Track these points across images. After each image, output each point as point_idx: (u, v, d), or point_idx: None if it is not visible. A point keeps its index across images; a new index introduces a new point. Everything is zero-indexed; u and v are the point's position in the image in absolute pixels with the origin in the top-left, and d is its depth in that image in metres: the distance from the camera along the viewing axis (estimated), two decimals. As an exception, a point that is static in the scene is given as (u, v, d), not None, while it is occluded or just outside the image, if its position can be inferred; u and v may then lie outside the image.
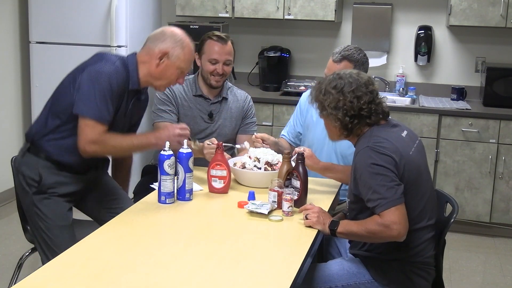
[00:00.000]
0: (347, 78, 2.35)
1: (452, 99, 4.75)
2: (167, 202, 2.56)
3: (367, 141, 2.28)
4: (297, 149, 2.71)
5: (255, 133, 3.04)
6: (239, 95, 3.39)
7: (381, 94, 5.12)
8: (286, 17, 4.78)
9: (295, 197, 2.52)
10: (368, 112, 2.32)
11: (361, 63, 3.01)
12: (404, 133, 2.37)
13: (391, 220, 2.16)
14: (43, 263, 2.46)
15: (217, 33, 3.25)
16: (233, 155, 3.23)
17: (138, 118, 2.85)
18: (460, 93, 4.74)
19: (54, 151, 2.61)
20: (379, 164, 2.20)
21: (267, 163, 2.80)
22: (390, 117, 2.44)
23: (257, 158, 2.80)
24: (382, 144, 2.25)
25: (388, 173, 2.20)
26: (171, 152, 2.55)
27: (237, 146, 3.12)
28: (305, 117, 3.22)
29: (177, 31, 2.66)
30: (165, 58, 2.59)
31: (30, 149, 2.66)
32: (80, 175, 2.70)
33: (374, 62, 4.99)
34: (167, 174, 2.53)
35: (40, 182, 2.61)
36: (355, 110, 2.31)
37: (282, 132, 3.34)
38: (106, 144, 2.53)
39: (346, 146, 2.91)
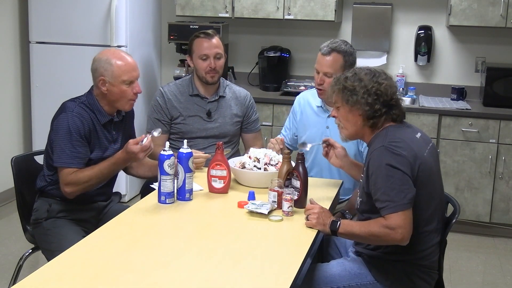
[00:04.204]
0: (374, 69, 2.38)
1: (452, 99, 4.75)
2: (167, 202, 2.56)
3: (382, 140, 2.27)
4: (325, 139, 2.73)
5: (280, 136, 3.02)
6: (238, 92, 3.41)
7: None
8: (286, 17, 4.78)
9: (295, 197, 2.51)
10: (396, 102, 2.33)
11: (350, 53, 3.00)
12: (418, 135, 2.36)
13: (397, 224, 2.15)
14: None
15: (202, 30, 3.31)
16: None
17: (130, 129, 2.99)
18: (460, 93, 4.74)
19: (61, 194, 2.76)
20: (394, 166, 2.19)
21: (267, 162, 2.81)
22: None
23: (257, 158, 2.80)
24: (397, 144, 2.23)
25: (401, 176, 2.18)
26: (171, 152, 2.55)
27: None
28: (300, 118, 3.22)
29: (102, 53, 2.79)
30: (106, 82, 2.71)
31: (41, 194, 2.85)
32: (88, 204, 2.84)
33: (374, 62, 4.99)
34: (167, 174, 2.53)
35: (49, 208, 2.76)
36: (388, 96, 2.31)
37: (282, 131, 3.34)
38: (78, 182, 2.68)
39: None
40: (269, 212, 2.45)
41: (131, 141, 2.64)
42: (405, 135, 2.30)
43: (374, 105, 2.30)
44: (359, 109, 2.33)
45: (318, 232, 2.34)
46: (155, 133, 2.74)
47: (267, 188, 2.54)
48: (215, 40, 3.26)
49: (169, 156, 2.53)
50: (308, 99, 3.22)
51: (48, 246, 2.69)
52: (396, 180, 2.18)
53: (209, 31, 3.28)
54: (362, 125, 2.36)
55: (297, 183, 2.55)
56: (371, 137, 2.37)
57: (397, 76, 4.93)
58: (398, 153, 2.21)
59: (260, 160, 2.79)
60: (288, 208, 2.46)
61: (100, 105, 2.76)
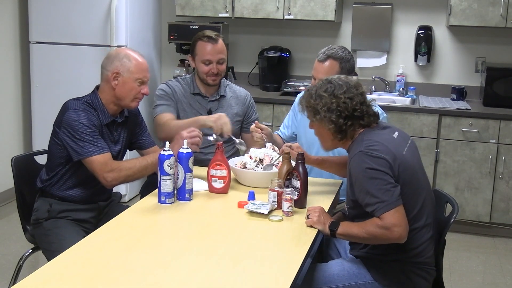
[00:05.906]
0: (336, 81, 2.38)
1: (452, 99, 4.75)
2: (167, 202, 2.56)
3: (359, 145, 2.29)
4: (284, 148, 2.70)
5: (253, 122, 3.03)
6: (238, 92, 3.41)
7: (381, 94, 5.12)
8: (286, 17, 4.78)
9: (295, 197, 2.52)
10: (361, 113, 2.34)
11: (346, 60, 3.01)
12: (396, 134, 2.38)
13: (392, 223, 2.16)
14: None
15: (207, 33, 3.26)
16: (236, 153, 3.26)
17: (139, 127, 2.99)
18: (460, 93, 4.74)
19: (61, 193, 2.77)
20: (374, 168, 2.21)
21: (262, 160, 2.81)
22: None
23: (259, 159, 2.80)
24: (374, 147, 2.25)
25: (384, 176, 2.20)
26: (171, 152, 2.55)
27: (237, 140, 3.06)
28: (300, 118, 3.22)
29: (120, 49, 2.81)
30: (119, 76, 2.71)
31: (41, 194, 2.83)
32: (89, 204, 2.82)
33: (374, 62, 5.00)
34: (167, 174, 2.53)
35: (50, 209, 2.75)
36: (349, 110, 2.32)
37: (277, 131, 3.35)
38: (121, 168, 2.66)
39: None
40: (269, 212, 2.45)
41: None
42: (381, 137, 2.32)
43: (338, 120, 2.33)
44: (325, 126, 2.36)
45: (318, 232, 2.34)
46: (210, 138, 2.84)
47: (267, 188, 2.54)
48: (219, 44, 3.22)
49: (169, 156, 2.53)
50: None
51: (48, 246, 2.69)
52: (380, 181, 2.20)
53: (213, 35, 3.23)
54: (332, 139, 2.40)
55: (297, 183, 2.55)
56: (349, 144, 2.39)
57: (397, 76, 4.94)
58: (376, 156, 2.23)
59: (263, 161, 2.79)
60: (288, 208, 2.46)
61: (104, 105, 2.75)
